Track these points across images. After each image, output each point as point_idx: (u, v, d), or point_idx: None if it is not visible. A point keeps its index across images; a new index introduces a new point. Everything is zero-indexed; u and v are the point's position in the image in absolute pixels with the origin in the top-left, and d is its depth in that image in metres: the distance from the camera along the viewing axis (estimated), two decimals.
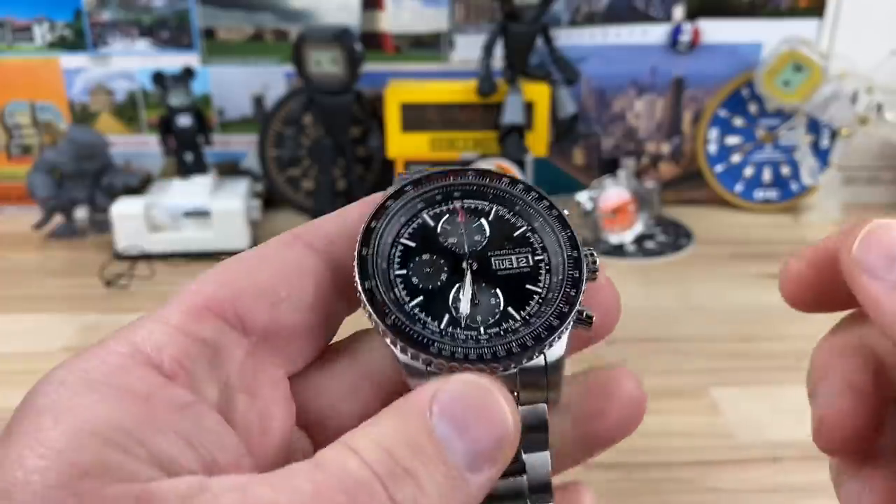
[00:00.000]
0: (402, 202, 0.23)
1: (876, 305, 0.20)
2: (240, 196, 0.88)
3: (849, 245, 0.20)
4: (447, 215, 0.23)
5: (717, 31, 0.98)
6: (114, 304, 0.76)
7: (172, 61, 0.98)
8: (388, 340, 0.20)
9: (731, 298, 0.75)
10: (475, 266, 0.22)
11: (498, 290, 0.21)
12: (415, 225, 0.23)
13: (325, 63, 0.89)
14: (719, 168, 1.03)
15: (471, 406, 0.18)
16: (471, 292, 0.21)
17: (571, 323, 0.21)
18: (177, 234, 0.87)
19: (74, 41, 0.98)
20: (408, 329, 0.20)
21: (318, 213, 0.99)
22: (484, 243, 0.22)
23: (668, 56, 0.99)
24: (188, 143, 0.93)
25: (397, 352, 0.20)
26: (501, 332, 0.20)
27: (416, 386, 0.18)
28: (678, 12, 0.97)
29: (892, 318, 0.20)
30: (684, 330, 0.69)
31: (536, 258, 0.22)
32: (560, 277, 0.21)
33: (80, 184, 0.93)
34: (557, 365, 0.21)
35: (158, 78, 0.92)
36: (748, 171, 1.02)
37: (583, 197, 0.89)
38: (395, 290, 0.21)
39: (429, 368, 0.20)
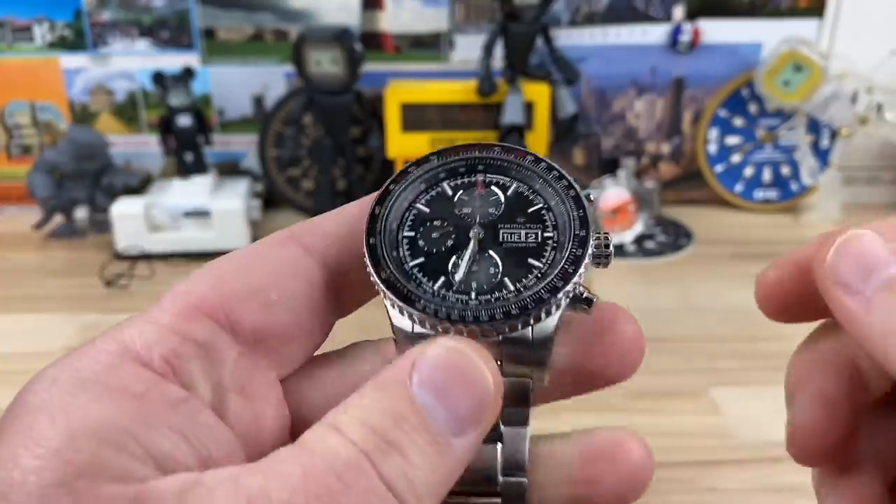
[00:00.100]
0: (425, 169, 0.23)
1: (850, 321, 0.20)
2: (240, 196, 0.88)
3: (822, 256, 0.20)
4: (467, 187, 0.23)
5: (717, 31, 0.98)
6: (114, 304, 0.76)
7: (172, 61, 0.98)
8: (385, 299, 0.21)
9: (731, 298, 0.75)
10: (482, 235, 0.22)
11: (499, 261, 0.21)
12: (433, 193, 0.23)
13: (325, 63, 0.89)
14: (719, 168, 1.03)
15: (450, 371, 0.18)
16: (469, 259, 0.21)
17: (564, 300, 0.20)
18: (177, 234, 0.87)
19: (74, 41, 0.98)
20: (400, 285, 0.20)
21: (318, 213, 0.98)
22: (497, 216, 0.22)
23: (668, 56, 0.99)
24: (188, 143, 0.93)
25: (393, 312, 0.20)
26: (492, 300, 0.20)
27: None
28: (678, 12, 0.97)
29: (868, 334, 0.19)
30: (684, 330, 0.69)
31: (545, 235, 0.22)
32: (563, 255, 0.21)
33: (80, 184, 0.93)
34: (545, 341, 0.20)
35: (158, 78, 0.92)
36: (748, 171, 1.02)
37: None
38: (400, 249, 0.22)
39: (414, 328, 0.20)
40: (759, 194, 1.03)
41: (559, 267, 0.21)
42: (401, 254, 0.22)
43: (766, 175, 1.02)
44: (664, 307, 0.74)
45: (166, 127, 0.93)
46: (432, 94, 0.89)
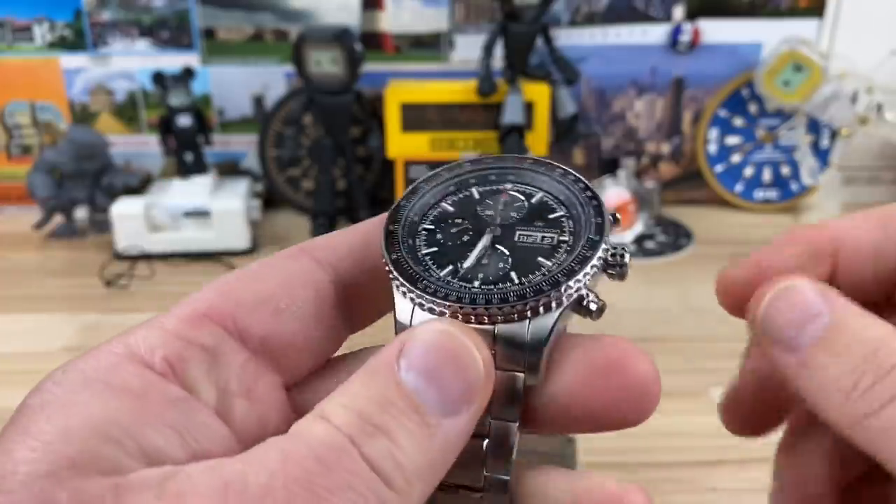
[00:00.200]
0: (456, 174, 0.24)
1: (789, 377, 0.20)
2: (240, 196, 0.88)
3: (756, 308, 0.20)
4: (493, 193, 0.24)
5: (717, 31, 0.98)
6: (114, 304, 0.76)
7: (172, 61, 0.98)
8: (392, 282, 0.21)
9: None
10: (498, 232, 0.22)
11: (509, 257, 0.22)
12: (461, 195, 0.24)
13: (325, 63, 0.89)
14: (719, 168, 1.03)
15: (441, 353, 0.18)
16: (480, 251, 0.22)
17: (565, 297, 0.20)
18: (177, 234, 0.87)
19: (74, 41, 0.98)
20: (407, 266, 0.21)
21: (318, 212, 0.99)
22: (517, 219, 0.23)
23: (668, 56, 0.99)
24: (188, 143, 0.93)
25: (398, 305, 0.21)
26: (493, 289, 0.21)
27: None
28: (678, 12, 0.97)
29: (806, 388, 0.20)
30: (684, 330, 0.70)
31: (561, 239, 0.22)
32: (572, 255, 0.21)
33: (80, 184, 0.93)
34: (540, 342, 0.20)
35: (158, 78, 0.92)
36: (748, 171, 1.02)
37: None
38: (416, 238, 0.22)
39: (413, 309, 0.20)
40: (760, 194, 1.03)
41: (566, 265, 0.21)
42: (416, 243, 0.22)
43: (767, 175, 1.02)
44: (664, 307, 0.74)
45: (166, 127, 0.93)
46: (432, 94, 0.89)
